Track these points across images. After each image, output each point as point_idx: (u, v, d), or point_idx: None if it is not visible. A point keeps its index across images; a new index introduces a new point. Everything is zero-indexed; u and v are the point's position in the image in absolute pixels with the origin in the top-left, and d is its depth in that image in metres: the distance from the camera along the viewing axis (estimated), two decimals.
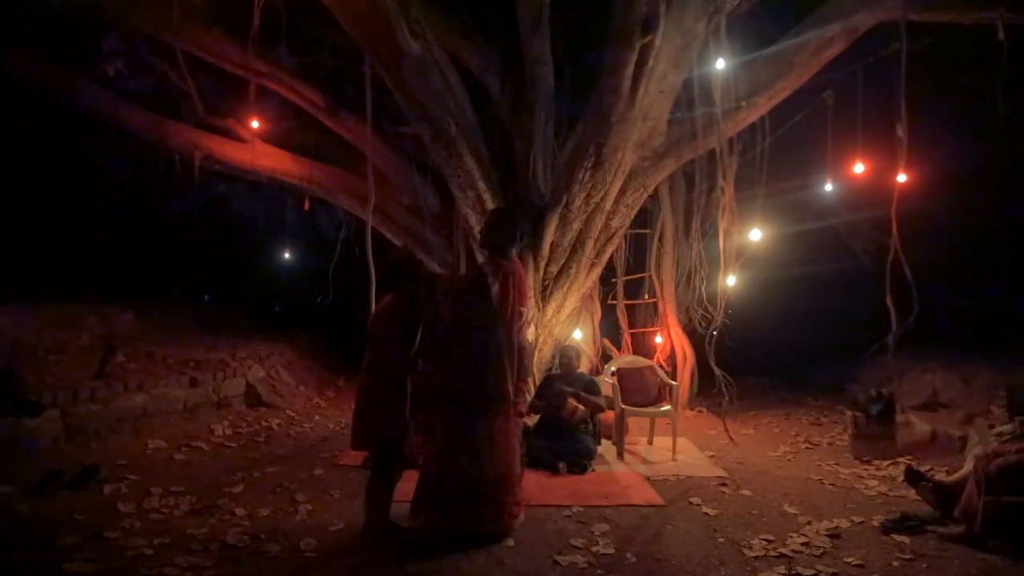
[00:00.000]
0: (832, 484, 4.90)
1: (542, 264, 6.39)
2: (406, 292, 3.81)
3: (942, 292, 7.26)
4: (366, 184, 6.23)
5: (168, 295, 10.77)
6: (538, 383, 5.93)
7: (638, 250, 8.79)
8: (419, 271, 3.91)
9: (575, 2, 6.82)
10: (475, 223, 6.34)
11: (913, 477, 4.37)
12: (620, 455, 5.64)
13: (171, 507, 4.08)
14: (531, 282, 6.10)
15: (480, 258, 6.72)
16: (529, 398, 5.14)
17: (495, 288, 3.72)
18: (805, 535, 3.81)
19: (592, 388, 5.56)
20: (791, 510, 4.27)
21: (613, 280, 8.67)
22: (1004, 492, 3.59)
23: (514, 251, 3.98)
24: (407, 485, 3.86)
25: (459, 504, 3.66)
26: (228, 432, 6.14)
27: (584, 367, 7.06)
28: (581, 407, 5.39)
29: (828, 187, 7.59)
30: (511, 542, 3.65)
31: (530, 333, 6.57)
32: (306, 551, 3.50)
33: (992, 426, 5.09)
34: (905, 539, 3.73)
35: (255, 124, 7.38)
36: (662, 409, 5.97)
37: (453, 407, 3.73)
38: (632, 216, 7.02)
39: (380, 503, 3.69)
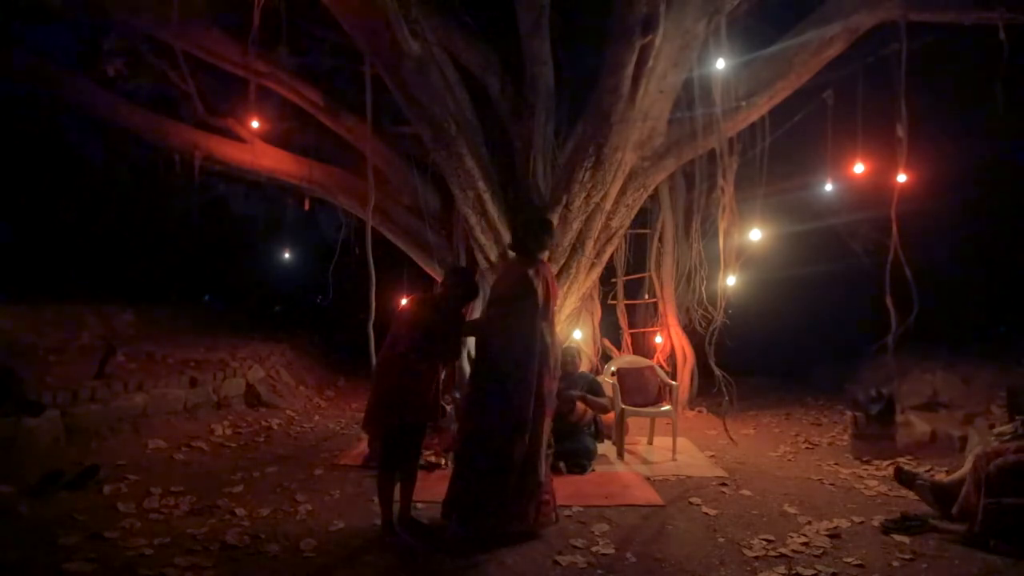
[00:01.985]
0: (832, 484, 4.90)
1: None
2: (445, 298, 3.93)
3: (942, 292, 7.25)
4: (366, 184, 6.22)
5: (168, 295, 10.76)
6: None
7: (638, 250, 8.78)
8: (473, 290, 4.06)
9: (575, 2, 6.81)
10: (475, 223, 6.34)
11: (904, 478, 4.37)
12: (620, 455, 5.64)
13: (171, 507, 4.08)
14: None
15: (480, 259, 6.72)
16: None
17: (540, 289, 3.79)
18: (805, 535, 3.81)
19: (595, 388, 5.57)
20: (791, 510, 4.27)
21: (613, 280, 8.66)
22: (1004, 492, 3.59)
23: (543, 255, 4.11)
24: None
25: (496, 502, 3.68)
26: (228, 432, 6.14)
27: (584, 367, 7.06)
28: (589, 410, 5.41)
29: (828, 187, 7.58)
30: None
31: None
32: (306, 551, 3.50)
33: (992, 426, 5.09)
34: (905, 539, 3.73)
35: (255, 124, 7.37)
36: (662, 409, 5.97)
37: (493, 406, 3.73)
38: (632, 216, 7.01)
39: (388, 499, 3.74)
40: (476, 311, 6.83)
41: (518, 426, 3.68)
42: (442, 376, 3.95)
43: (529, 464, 3.73)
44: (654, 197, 7.97)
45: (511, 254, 4.26)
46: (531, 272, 3.83)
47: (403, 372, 3.75)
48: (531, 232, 4.01)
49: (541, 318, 3.78)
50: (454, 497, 3.80)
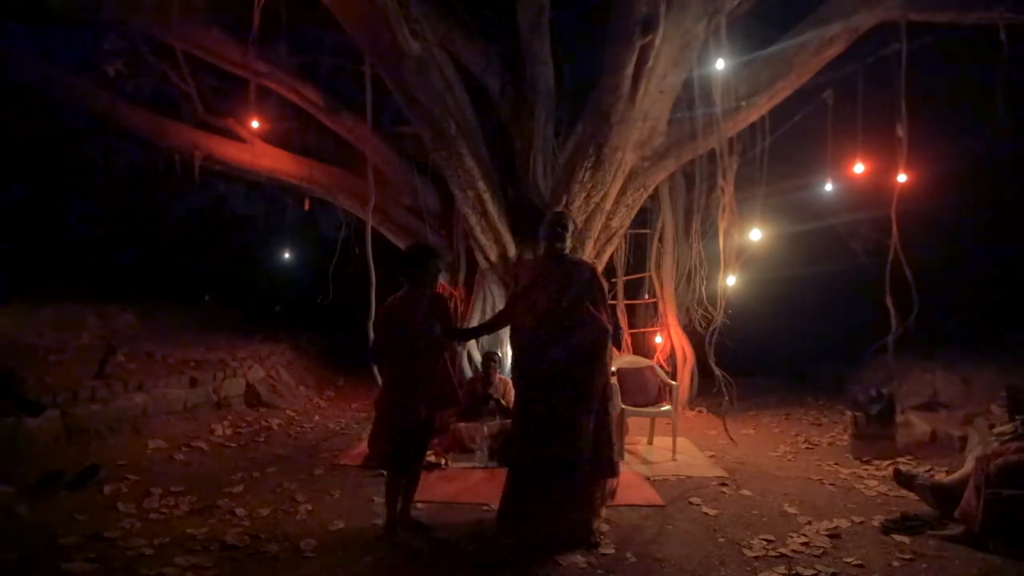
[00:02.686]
0: (832, 484, 4.90)
1: None
2: (418, 286, 3.81)
3: (942, 292, 7.25)
4: (366, 184, 6.22)
5: (168, 295, 10.75)
6: None
7: (638, 250, 8.79)
8: (434, 264, 3.90)
9: (575, 2, 6.82)
10: (475, 223, 6.35)
11: (903, 479, 4.36)
12: (620, 455, 5.63)
13: (171, 507, 4.08)
14: None
15: (480, 259, 6.72)
16: None
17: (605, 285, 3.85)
18: (805, 535, 3.81)
19: None
20: (791, 510, 4.27)
21: (613, 280, 8.66)
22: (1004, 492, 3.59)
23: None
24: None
25: (555, 508, 3.60)
26: (228, 432, 6.13)
27: None
28: None
29: (828, 187, 7.58)
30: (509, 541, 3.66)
31: None
32: (306, 551, 3.50)
33: (992, 426, 5.09)
34: (905, 539, 3.73)
35: (255, 124, 7.37)
36: (662, 409, 5.97)
37: (552, 401, 3.64)
38: (632, 216, 7.02)
39: (394, 500, 3.73)
40: (474, 317, 6.83)
41: (586, 410, 3.63)
42: (437, 367, 3.83)
43: (604, 449, 3.69)
44: (654, 197, 7.97)
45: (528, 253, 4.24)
46: (594, 265, 3.85)
47: (392, 375, 3.73)
48: (567, 230, 3.94)
49: (603, 312, 3.81)
50: (518, 504, 3.66)
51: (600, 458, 3.69)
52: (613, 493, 3.84)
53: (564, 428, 3.61)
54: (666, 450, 5.82)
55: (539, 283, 3.87)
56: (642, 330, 8.79)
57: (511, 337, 4.00)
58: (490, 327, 4.41)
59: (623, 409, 5.79)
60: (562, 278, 3.81)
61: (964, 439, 5.44)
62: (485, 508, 4.24)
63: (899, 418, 5.76)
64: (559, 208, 6.18)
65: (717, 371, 6.22)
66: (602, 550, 3.58)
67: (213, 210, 11.68)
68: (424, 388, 3.72)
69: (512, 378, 3.97)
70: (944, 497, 3.98)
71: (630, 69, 5.44)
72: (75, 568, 3.19)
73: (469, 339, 6.03)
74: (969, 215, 8.57)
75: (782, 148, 7.26)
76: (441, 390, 3.82)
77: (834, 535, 3.81)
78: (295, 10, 6.25)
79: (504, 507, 3.71)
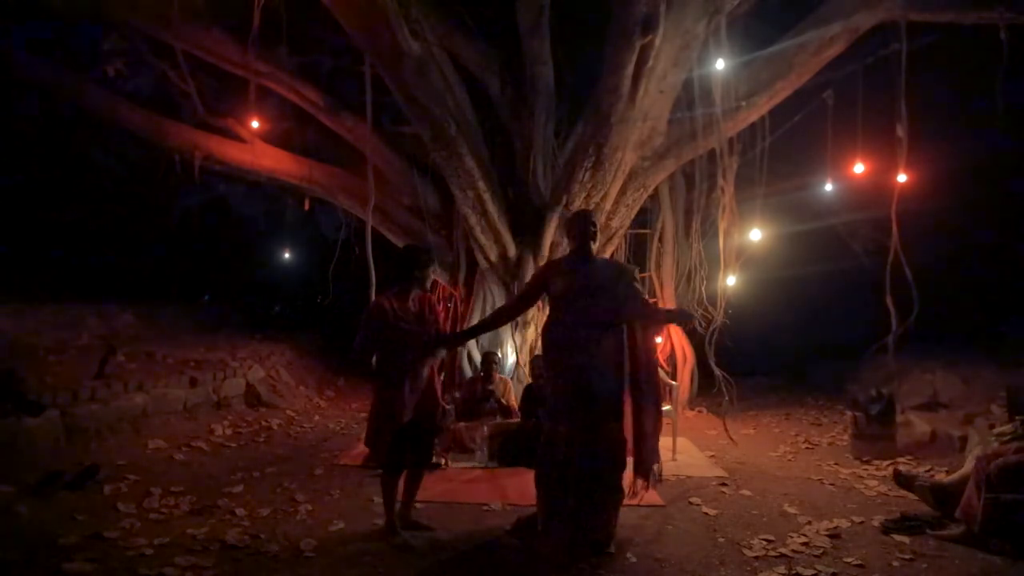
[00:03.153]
0: (832, 484, 4.90)
1: (542, 264, 6.39)
2: (409, 286, 3.76)
3: (942, 292, 7.25)
4: (366, 184, 6.22)
5: (168, 295, 10.76)
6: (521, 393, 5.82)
7: (638, 250, 8.79)
8: (429, 264, 3.85)
9: (575, 2, 6.81)
10: (475, 223, 6.35)
11: (903, 480, 4.36)
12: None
13: (171, 507, 4.08)
14: None
15: (480, 259, 6.72)
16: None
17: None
18: (805, 535, 3.80)
19: None
20: (791, 510, 4.26)
21: None
22: (1004, 492, 3.59)
23: None
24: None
25: (592, 510, 3.53)
26: (228, 432, 6.13)
27: None
28: None
29: (828, 187, 7.58)
30: (511, 541, 3.66)
31: (530, 334, 6.57)
32: (306, 551, 3.50)
33: (992, 426, 5.09)
34: (905, 539, 3.73)
35: (255, 124, 7.38)
36: (662, 409, 5.96)
37: (588, 405, 3.51)
38: (632, 216, 7.02)
39: (391, 501, 3.72)
40: (474, 318, 6.83)
41: (658, 410, 3.65)
42: (425, 371, 3.75)
43: (655, 437, 3.68)
44: (654, 197, 7.97)
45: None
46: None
47: (381, 376, 3.69)
48: (597, 228, 3.80)
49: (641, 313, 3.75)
50: (565, 512, 3.52)
51: (651, 448, 3.68)
52: (660, 473, 3.77)
53: (614, 432, 3.54)
54: (666, 450, 5.78)
55: (581, 284, 3.63)
56: None
57: (551, 341, 3.71)
58: (486, 326, 4.28)
59: None
60: (606, 277, 3.64)
61: (964, 439, 5.44)
62: (485, 508, 4.25)
63: (899, 418, 5.76)
64: (559, 207, 6.20)
65: (717, 371, 6.22)
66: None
67: (213, 210, 11.68)
68: (413, 389, 3.67)
69: (555, 384, 3.69)
70: (944, 497, 3.98)
71: (630, 69, 5.44)
72: (75, 568, 3.19)
73: (464, 342, 6.02)
74: (969, 215, 8.57)
75: (782, 148, 7.26)
76: (424, 393, 3.74)
77: (834, 535, 3.81)
78: (295, 10, 6.25)
79: (547, 515, 3.59)
